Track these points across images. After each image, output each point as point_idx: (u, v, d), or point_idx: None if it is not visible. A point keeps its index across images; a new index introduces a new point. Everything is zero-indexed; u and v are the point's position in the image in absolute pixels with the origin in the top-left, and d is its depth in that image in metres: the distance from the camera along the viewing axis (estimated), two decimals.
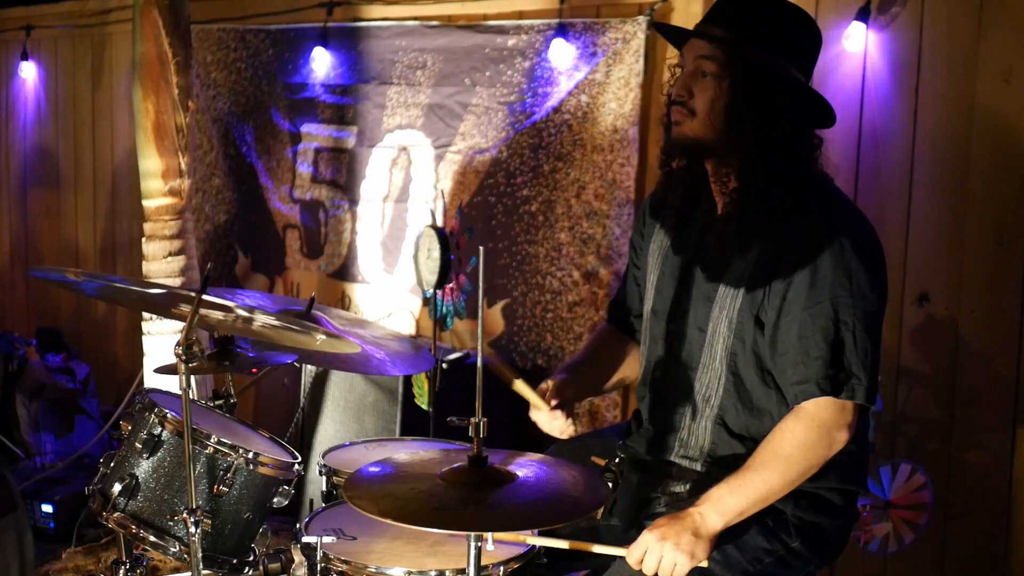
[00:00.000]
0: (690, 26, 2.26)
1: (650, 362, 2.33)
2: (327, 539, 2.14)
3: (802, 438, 2.04)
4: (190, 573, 2.14)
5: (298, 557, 2.30)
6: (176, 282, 3.95)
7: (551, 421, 2.25)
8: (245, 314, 2.27)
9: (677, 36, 2.29)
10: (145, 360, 4.06)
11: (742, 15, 2.13)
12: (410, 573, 2.06)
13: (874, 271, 2.09)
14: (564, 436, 2.29)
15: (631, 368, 2.49)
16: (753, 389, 2.15)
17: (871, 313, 2.07)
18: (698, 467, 2.21)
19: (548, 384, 2.27)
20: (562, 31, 3.98)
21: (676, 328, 2.26)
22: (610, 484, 2.23)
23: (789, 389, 2.09)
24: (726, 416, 2.17)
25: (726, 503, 2.02)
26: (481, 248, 1.92)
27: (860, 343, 2.05)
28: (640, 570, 2.01)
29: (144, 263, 4.02)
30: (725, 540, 2.06)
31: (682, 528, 1.99)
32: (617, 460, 2.20)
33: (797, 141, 2.13)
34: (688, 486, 2.20)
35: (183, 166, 3.93)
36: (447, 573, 2.05)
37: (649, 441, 2.30)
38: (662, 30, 2.38)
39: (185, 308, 2.31)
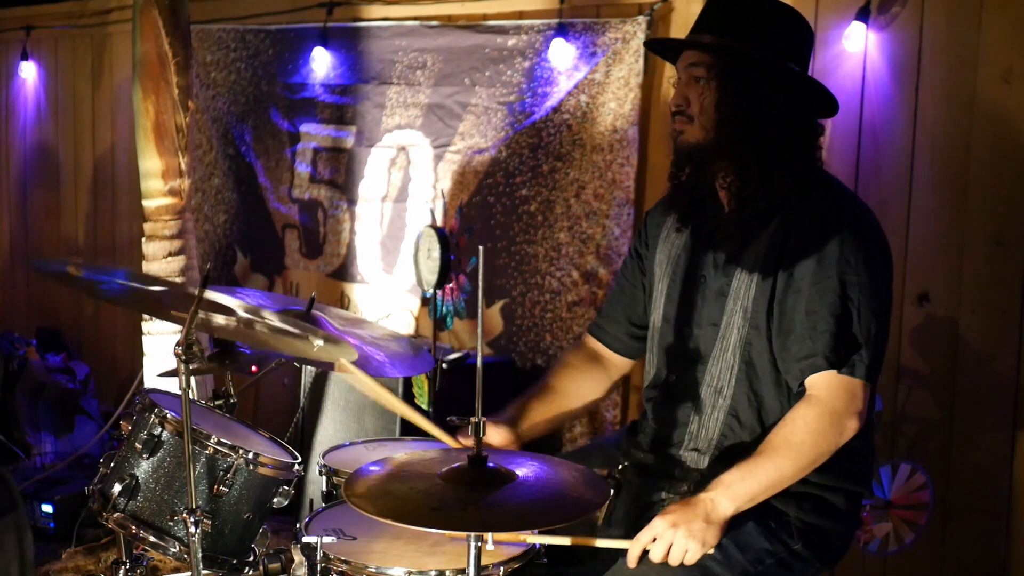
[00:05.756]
0: (689, 27, 2.29)
1: (660, 366, 2.34)
2: (327, 539, 2.13)
3: (814, 425, 2.05)
4: (190, 573, 2.14)
5: (298, 557, 2.30)
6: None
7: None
8: (246, 316, 2.27)
9: (668, 50, 2.40)
10: (145, 360, 4.05)
11: (724, 17, 2.19)
12: (410, 573, 2.05)
13: (879, 254, 2.13)
14: None
15: (589, 394, 2.51)
16: (764, 378, 2.16)
17: (876, 294, 2.10)
18: (705, 461, 2.21)
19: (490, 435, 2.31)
20: (562, 31, 3.98)
21: (687, 329, 2.28)
22: (611, 492, 2.23)
23: (794, 366, 2.10)
24: (738, 407, 2.18)
25: (738, 488, 2.02)
26: (481, 248, 1.93)
27: (865, 320, 2.07)
28: (640, 563, 2.01)
29: (144, 263, 4.01)
30: (726, 539, 2.06)
31: (694, 514, 1.99)
32: (620, 468, 2.21)
33: (792, 127, 2.17)
34: (692, 486, 2.20)
35: (183, 166, 3.93)
36: (447, 573, 2.04)
37: (654, 437, 2.30)
38: (652, 47, 2.45)
39: (181, 312, 2.30)
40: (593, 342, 2.54)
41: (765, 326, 2.15)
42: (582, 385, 2.49)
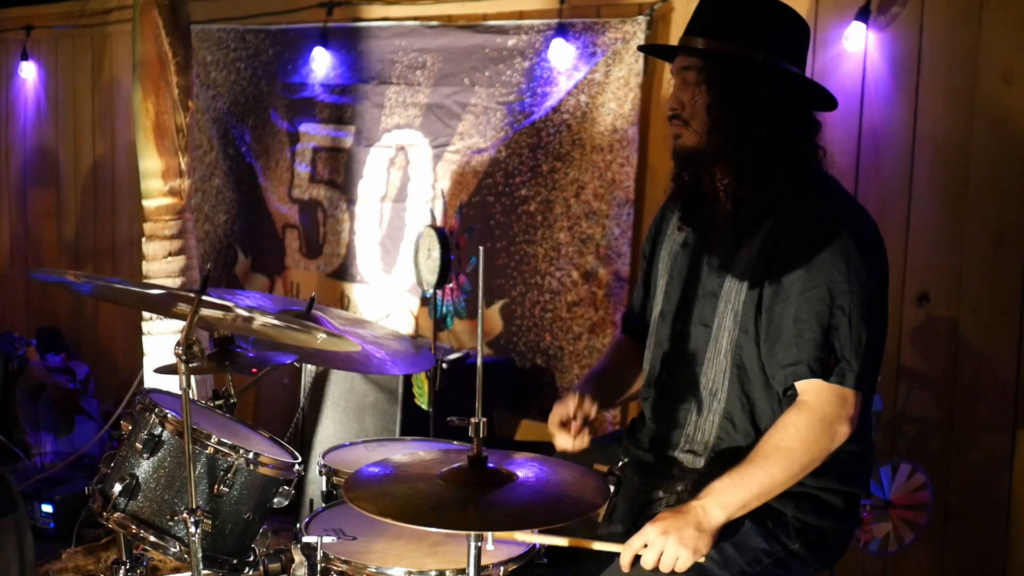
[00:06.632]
0: None
1: (655, 363, 2.34)
2: (327, 539, 2.14)
3: (805, 431, 2.04)
4: (190, 573, 2.14)
5: (298, 557, 2.30)
6: (176, 282, 3.95)
7: (570, 440, 2.27)
8: (245, 314, 2.27)
9: (665, 53, 2.40)
10: (145, 360, 4.05)
11: (715, 20, 2.18)
12: (410, 573, 2.06)
13: (873, 260, 2.11)
14: (577, 450, 2.29)
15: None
16: (755, 381, 2.16)
17: (869, 301, 2.08)
18: (701, 462, 2.21)
19: (570, 408, 2.28)
20: (562, 31, 3.98)
21: (681, 327, 2.28)
22: (611, 488, 2.23)
23: (779, 372, 2.10)
24: (732, 410, 2.18)
25: (729, 496, 2.02)
26: (481, 248, 1.93)
27: (855, 329, 2.06)
28: (634, 569, 2.01)
29: (144, 263, 4.01)
30: (723, 540, 2.06)
31: (685, 522, 1.99)
32: (620, 464, 2.21)
33: (787, 127, 2.16)
34: (690, 486, 2.20)
35: (183, 166, 3.93)
36: (447, 573, 2.05)
37: (652, 438, 2.30)
38: (649, 51, 2.44)
39: (184, 307, 2.31)
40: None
41: (754, 330, 2.15)
42: (639, 366, 2.50)
